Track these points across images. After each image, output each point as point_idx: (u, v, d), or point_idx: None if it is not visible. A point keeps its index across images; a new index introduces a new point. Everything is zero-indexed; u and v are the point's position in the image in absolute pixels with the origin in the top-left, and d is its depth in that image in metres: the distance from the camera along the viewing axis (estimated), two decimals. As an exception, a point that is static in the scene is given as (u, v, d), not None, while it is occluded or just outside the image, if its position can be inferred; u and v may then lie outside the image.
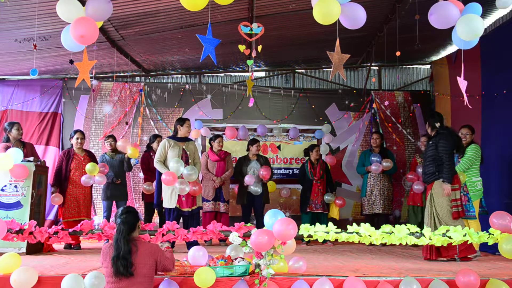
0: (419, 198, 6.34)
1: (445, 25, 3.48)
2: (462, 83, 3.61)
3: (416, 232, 3.37)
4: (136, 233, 3.01)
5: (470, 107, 4.15)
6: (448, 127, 4.87)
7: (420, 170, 6.34)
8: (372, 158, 6.65)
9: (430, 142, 4.73)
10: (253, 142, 6.58)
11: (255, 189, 6.24)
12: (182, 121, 5.40)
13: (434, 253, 4.60)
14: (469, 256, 4.56)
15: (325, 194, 6.55)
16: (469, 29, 3.35)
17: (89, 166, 5.58)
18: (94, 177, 5.65)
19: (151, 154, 6.38)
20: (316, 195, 6.55)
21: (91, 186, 5.86)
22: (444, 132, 4.67)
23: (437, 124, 4.73)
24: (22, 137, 5.64)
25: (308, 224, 3.42)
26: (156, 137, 6.50)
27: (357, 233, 3.35)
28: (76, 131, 5.89)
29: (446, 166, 4.55)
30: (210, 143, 6.51)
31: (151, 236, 3.47)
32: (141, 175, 6.84)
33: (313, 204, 6.54)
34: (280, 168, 7.82)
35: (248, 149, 6.61)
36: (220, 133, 7.27)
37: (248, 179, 6.23)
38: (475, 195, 5.02)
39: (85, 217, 5.58)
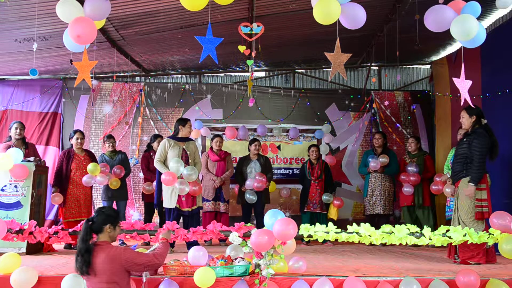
0: (411, 198, 6.35)
1: (440, 28, 3.49)
2: (464, 83, 3.61)
3: (416, 232, 3.37)
4: (103, 237, 2.90)
5: (473, 106, 4.14)
6: (487, 125, 4.53)
7: (410, 168, 6.36)
8: (369, 159, 6.66)
9: (464, 140, 4.51)
10: (252, 141, 6.60)
11: (250, 197, 6.28)
12: (184, 121, 5.40)
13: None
14: (470, 262, 4.34)
15: (324, 194, 6.54)
16: (462, 29, 3.37)
17: (90, 166, 5.58)
18: (96, 177, 5.65)
19: (151, 154, 6.38)
20: (314, 195, 6.54)
21: (92, 186, 5.87)
22: (480, 131, 4.43)
23: (484, 121, 4.48)
24: (25, 137, 5.66)
25: (308, 224, 3.42)
26: (156, 137, 6.49)
27: (357, 233, 3.35)
28: (75, 131, 5.88)
29: (476, 166, 4.33)
30: (211, 143, 6.53)
31: (151, 236, 3.47)
32: (141, 175, 6.83)
33: (311, 204, 6.54)
34: (280, 168, 7.82)
35: (249, 149, 6.62)
36: (220, 133, 7.27)
37: (248, 183, 6.27)
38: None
39: (86, 217, 5.54)
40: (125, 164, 6.26)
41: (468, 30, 3.35)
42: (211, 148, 6.43)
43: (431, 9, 3.49)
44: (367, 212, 6.68)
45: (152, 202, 6.27)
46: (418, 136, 7.37)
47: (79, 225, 3.54)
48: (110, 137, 6.33)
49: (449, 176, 5.47)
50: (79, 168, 5.71)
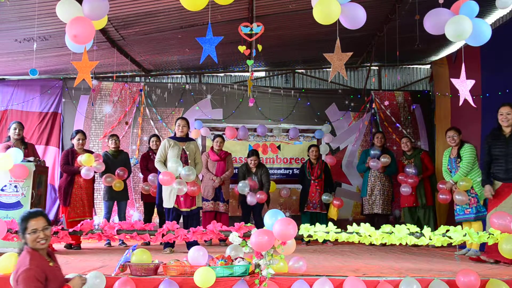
0: (413, 199, 6.29)
1: (439, 30, 3.50)
2: (465, 83, 3.61)
3: (416, 232, 3.37)
4: (21, 245, 2.73)
5: (474, 106, 4.14)
6: None
7: (408, 169, 6.30)
8: (372, 152, 6.58)
9: None
10: (248, 155, 6.56)
11: (251, 199, 6.26)
12: (176, 120, 5.45)
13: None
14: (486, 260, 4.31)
15: (323, 194, 6.54)
16: (455, 30, 3.37)
17: (83, 157, 5.51)
18: (92, 167, 5.58)
19: (150, 154, 6.39)
20: (313, 195, 6.54)
21: (93, 187, 5.85)
22: None
23: None
24: (24, 137, 5.65)
25: (308, 224, 3.42)
26: (151, 137, 6.57)
27: (357, 233, 3.35)
28: (77, 132, 5.85)
29: None
30: (212, 143, 6.54)
31: (151, 236, 3.47)
32: (141, 175, 6.83)
33: (311, 203, 6.53)
34: (280, 168, 7.82)
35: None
36: (220, 133, 7.27)
37: (249, 199, 6.21)
38: (482, 195, 4.80)
39: (89, 217, 5.58)
40: (127, 164, 6.25)
41: (460, 31, 3.36)
42: (212, 148, 6.44)
43: (430, 13, 3.49)
44: (365, 211, 6.66)
45: (151, 202, 6.27)
46: (412, 135, 7.35)
47: (79, 225, 3.54)
48: (114, 135, 6.33)
49: (452, 183, 5.18)
50: (80, 169, 5.70)
